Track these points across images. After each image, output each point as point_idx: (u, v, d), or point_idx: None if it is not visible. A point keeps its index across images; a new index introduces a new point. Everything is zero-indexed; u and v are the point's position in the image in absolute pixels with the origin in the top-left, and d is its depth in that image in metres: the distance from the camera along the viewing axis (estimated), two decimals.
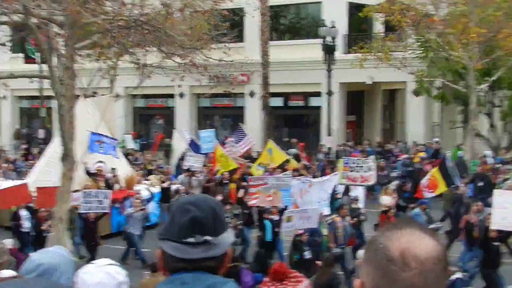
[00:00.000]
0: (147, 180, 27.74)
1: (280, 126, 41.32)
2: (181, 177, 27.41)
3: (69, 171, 18.81)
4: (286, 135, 40.04)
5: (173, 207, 2.92)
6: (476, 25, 28.96)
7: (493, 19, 29.13)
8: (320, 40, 35.63)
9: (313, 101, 40.41)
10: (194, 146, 31.55)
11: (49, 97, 41.87)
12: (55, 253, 3.78)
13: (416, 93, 36.61)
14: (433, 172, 23.15)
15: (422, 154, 32.07)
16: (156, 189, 26.34)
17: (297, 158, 31.34)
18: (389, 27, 35.23)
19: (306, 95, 40.91)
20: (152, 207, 24.66)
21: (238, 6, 32.71)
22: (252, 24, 37.81)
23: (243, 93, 41.36)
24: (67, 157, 18.75)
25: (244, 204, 22.36)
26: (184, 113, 43.08)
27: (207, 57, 32.56)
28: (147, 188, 26.03)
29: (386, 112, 43.32)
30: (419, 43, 33.78)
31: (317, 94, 39.16)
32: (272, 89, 37.84)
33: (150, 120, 46.63)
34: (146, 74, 35.34)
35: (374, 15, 34.82)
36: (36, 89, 40.66)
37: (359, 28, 39.63)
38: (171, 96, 43.17)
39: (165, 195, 25.71)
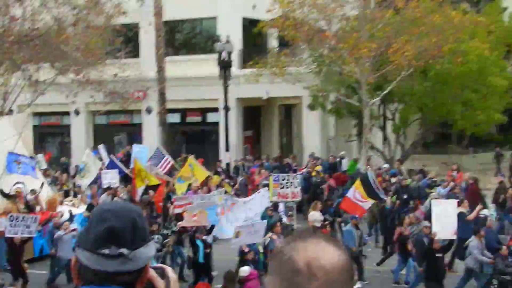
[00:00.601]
0: (69, 201, 26.43)
1: (178, 142, 41.15)
2: (104, 196, 26.09)
3: None
4: (184, 151, 39.93)
5: (92, 213, 2.69)
6: (367, 40, 29.68)
7: (383, 35, 29.93)
8: (216, 56, 35.78)
9: (211, 117, 40.46)
10: (111, 163, 30.24)
11: None
12: None
13: (311, 107, 37.18)
14: (357, 186, 22.75)
15: (319, 168, 32.57)
16: (79, 210, 25.01)
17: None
18: (284, 42, 35.72)
19: (204, 111, 40.93)
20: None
21: (132, 21, 32.46)
22: (147, 40, 37.61)
23: (139, 110, 41.00)
24: None
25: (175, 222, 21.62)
26: (80, 131, 42.34)
27: (102, 73, 32.16)
28: (69, 210, 24.57)
29: (283, 126, 43.79)
30: (313, 58, 34.35)
31: (215, 109, 39.22)
32: (169, 105, 37.69)
33: (45, 139, 45.61)
34: (40, 91, 34.61)
35: (268, 31, 35.26)
36: None
37: (254, 43, 40.00)
38: (67, 113, 42.39)
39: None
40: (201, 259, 19.35)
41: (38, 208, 24.05)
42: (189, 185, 27.04)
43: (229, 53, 34.92)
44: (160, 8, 35.60)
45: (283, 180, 24.32)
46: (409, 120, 37.32)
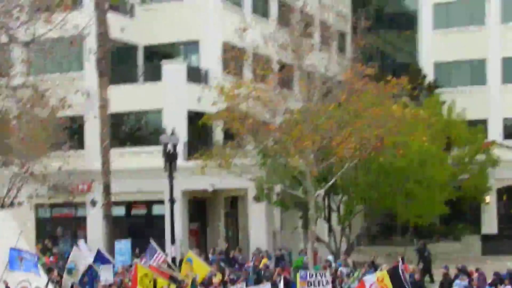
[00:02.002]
0: None
1: (123, 236, 40.56)
2: None
3: None
4: (132, 245, 39.37)
5: None
6: (310, 133, 30.06)
7: (326, 127, 30.36)
8: (161, 148, 35.82)
9: (156, 209, 40.18)
10: (101, 258, 28.39)
11: None
12: None
13: (257, 199, 37.27)
14: (381, 277, 21.04)
15: (266, 261, 32.39)
16: None
17: None
18: (229, 134, 36.01)
19: (149, 203, 40.65)
20: None
21: (77, 114, 32.51)
22: (92, 131, 37.54)
23: (84, 202, 40.53)
24: None
25: None
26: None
27: (46, 166, 31.90)
28: None
29: (229, 219, 43.66)
30: (258, 150, 34.62)
31: (160, 202, 38.98)
32: (114, 198, 37.35)
33: None
34: None
35: (213, 123, 35.59)
36: None
37: (199, 135, 40.23)
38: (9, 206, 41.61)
39: None
40: None
41: None
42: (193, 281, 25.48)
43: (175, 145, 34.97)
44: (106, 101, 35.72)
45: (311, 277, 22.31)
46: (354, 211, 37.56)
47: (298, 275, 22.43)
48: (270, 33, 30.66)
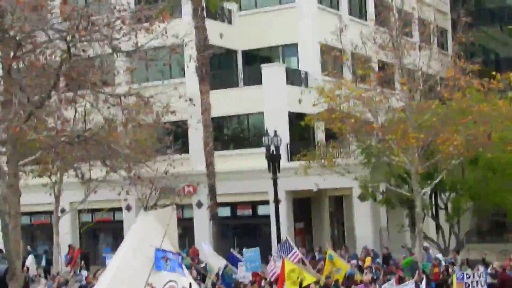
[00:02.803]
0: None
1: (228, 236, 41.15)
2: None
3: None
4: (236, 245, 39.87)
5: None
6: (414, 131, 29.61)
7: (430, 125, 29.86)
8: (264, 149, 36.08)
9: (261, 210, 40.51)
10: (233, 259, 29.46)
11: None
12: None
13: (362, 198, 36.99)
14: None
15: (369, 261, 32.05)
16: None
17: None
18: (331, 135, 35.91)
19: (254, 204, 41.01)
20: None
21: (181, 119, 33.05)
22: (196, 136, 38.20)
23: (190, 204, 41.32)
24: (13, 276, 18.36)
25: None
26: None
27: (153, 170, 32.59)
28: None
29: (334, 218, 43.57)
30: (361, 150, 34.38)
31: (265, 202, 39.31)
32: (219, 199, 37.89)
33: (97, 235, 46.10)
34: (92, 188, 35.24)
35: (315, 123, 35.55)
36: None
37: (301, 136, 40.32)
38: (119, 209, 42.89)
39: None
40: None
41: None
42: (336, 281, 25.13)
43: (277, 147, 35.22)
44: (208, 106, 36.33)
45: (468, 278, 21.86)
46: (462, 209, 36.77)
47: (454, 277, 22.01)
48: (368, 33, 30.37)
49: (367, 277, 24.84)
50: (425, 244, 33.72)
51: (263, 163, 36.10)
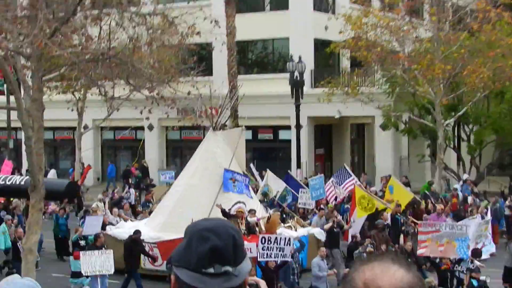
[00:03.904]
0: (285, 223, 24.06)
1: (249, 159, 41.30)
2: (315, 218, 24.55)
3: (37, 203, 18.65)
4: (256, 168, 40.07)
5: (189, 233, 2.74)
6: (440, 62, 29.32)
7: (457, 57, 29.52)
8: (287, 75, 35.88)
9: (282, 135, 40.55)
10: (292, 183, 28.76)
11: (16, 129, 41.79)
12: (25, 284, 3.59)
13: (384, 127, 36.90)
14: None
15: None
16: (300, 233, 22.37)
17: None
18: (355, 63, 35.61)
19: (275, 129, 41.03)
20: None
21: (205, 41, 32.85)
22: (220, 59, 38.01)
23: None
24: (35, 188, 18.61)
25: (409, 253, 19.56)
26: (153, 146, 43.03)
27: (175, 90, 32.62)
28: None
29: (355, 145, 43.57)
30: (385, 79, 34.11)
31: (286, 127, 39.32)
32: (241, 123, 37.89)
33: (118, 152, 46.51)
34: (114, 106, 35.37)
35: (340, 51, 35.22)
36: (3, 121, 40.53)
37: (325, 63, 40.00)
38: (141, 128, 43.10)
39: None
40: None
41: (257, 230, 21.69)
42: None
43: (301, 73, 34.99)
44: (233, 29, 36.04)
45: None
46: (484, 142, 36.63)
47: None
48: None
49: (439, 206, 24.59)
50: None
51: (286, 88, 35.96)
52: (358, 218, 23.83)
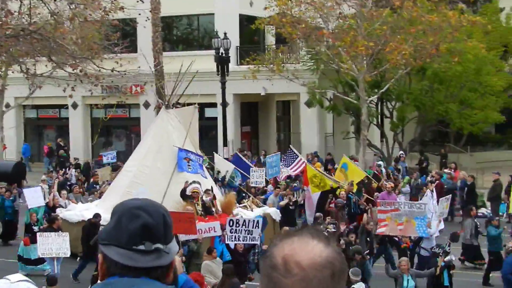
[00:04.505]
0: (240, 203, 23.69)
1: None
2: (271, 197, 24.50)
3: None
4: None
5: (118, 210, 2.73)
6: (363, 39, 29.67)
7: (380, 33, 29.93)
8: (213, 52, 35.79)
9: (209, 112, 40.45)
10: (238, 162, 28.48)
11: None
12: None
13: (309, 104, 37.21)
14: None
15: (319, 165, 32.47)
16: (256, 213, 21.86)
17: None
18: (281, 39, 35.74)
19: (201, 106, 40.86)
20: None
21: (129, 17, 32.45)
22: (145, 35, 37.60)
23: (137, 104, 41.08)
24: None
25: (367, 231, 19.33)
26: (77, 124, 42.43)
27: (99, 67, 32.17)
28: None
29: (281, 122, 43.85)
30: (310, 56, 34.35)
31: (212, 105, 39.25)
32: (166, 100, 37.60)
33: (42, 132, 45.74)
34: (37, 84, 34.69)
35: (265, 28, 35.28)
36: None
37: (251, 40, 40.03)
38: (64, 106, 42.44)
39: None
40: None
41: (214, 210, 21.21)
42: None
43: (227, 50, 34.94)
44: (157, 4, 35.62)
45: None
46: (407, 118, 37.32)
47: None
48: None
49: (390, 184, 24.65)
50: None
51: (212, 65, 35.87)
52: (313, 194, 23.94)
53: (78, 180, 30.55)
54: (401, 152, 35.02)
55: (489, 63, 34.96)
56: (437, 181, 27.70)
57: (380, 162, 33.79)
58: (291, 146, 31.18)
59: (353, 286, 14.30)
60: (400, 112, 37.13)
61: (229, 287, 14.96)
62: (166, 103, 23.39)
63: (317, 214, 21.97)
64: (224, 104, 36.22)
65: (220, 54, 35.11)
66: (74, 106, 41.81)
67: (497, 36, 37.48)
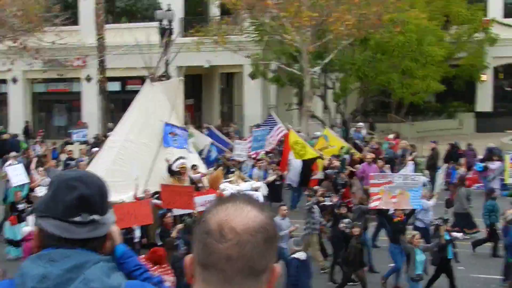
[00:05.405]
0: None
1: (118, 111, 40.71)
2: (256, 171, 23.96)
3: None
4: None
5: (54, 182, 2.70)
6: (308, 9, 29.73)
7: (324, 4, 30.01)
8: (156, 24, 35.43)
9: None
10: (215, 137, 27.95)
11: None
12: None
13: (252, 76, 37.20)
14: None
15: None
16: (243, 187, 21.23)
17: None
18: (225, 11, 35.56)
19: (144, 79, 40.46)
20: None
21: None
22: (87, 7, 37.02)
23: (79, 78, 40.47)
24: None
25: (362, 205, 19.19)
26: (18, 99, 41.61)
27: (40, 40, 31.59)
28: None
29: (224, 95, 43.80)
30: (254, 27, 34.28)
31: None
32: (109, 73, 37.20)
33: None
34: None
35: None
36: None
37: (195, 11, 39.72)
38: (4, 81, 41.56)
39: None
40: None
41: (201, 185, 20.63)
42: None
43: (170, 21, 34.62)
44: None
45: None
46: (349, 89, 37.60)
47: (507, 157, 22.11)
48: None
49: (370, 155, 24.57)
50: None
51: (155, 37, 35.49)
52: (296, 160, 23.87)
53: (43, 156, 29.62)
54: (360, 123, 35.12)
55: (430, 33, 35.40)
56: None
57: (318, 133, 33.86)
58: (271, 112, 30.59)
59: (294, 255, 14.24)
60: (343, 83, 37.38)
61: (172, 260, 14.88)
62: (151, 75, 22.71)
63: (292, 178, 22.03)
64: (167, 77, 35.88)
65: (163, 26, 34.77)
66: (14, 80, 40.98)
67: (438, 6, 38.02)
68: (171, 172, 20.13)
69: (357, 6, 29.95)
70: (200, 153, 25.49)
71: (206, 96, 42.67)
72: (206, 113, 42.27)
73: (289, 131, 25.40)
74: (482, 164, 27.22)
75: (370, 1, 30.24)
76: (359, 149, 27.68)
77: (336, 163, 23.81)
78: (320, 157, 24.36)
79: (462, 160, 28.75)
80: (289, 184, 24.96)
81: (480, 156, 29.07)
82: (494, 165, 26.51)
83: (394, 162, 26.84)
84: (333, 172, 22.80)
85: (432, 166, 28.20)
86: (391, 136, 32.19)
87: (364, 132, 34.47)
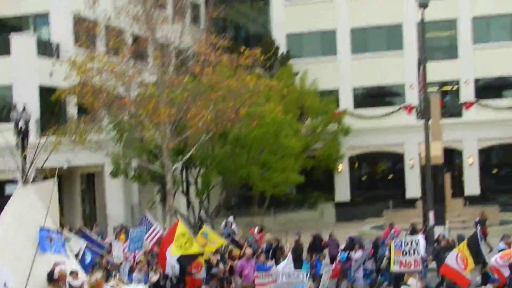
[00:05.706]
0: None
1: None
2: (136, 275, 22.49)
3: None
4: None
5: None
6: (165, 106, 30.01)
7: (181, 100, 30.42)
8: (12, 125, 34.70)
9: (10, 189, 38.84)
10: (89, 239, 26.12)
11: None
12: None
13: (114, 174, 36.87)
14: (462, 249, 20.33)
15: (123, 237, 31.94)
16: None
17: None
18: (83, 109, 35.36)
19: (2, 183, 39.32)
20: None
21: None
22: None
23: None
24: None
25: None
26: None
27: None
28: None
29: (86, 195, 43.03)
30: (113, 125, 34.22)
31: (14, 181, 37.73)
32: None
33: None
34: None
35: (66, 98, 34.78)
36: None
37: (52, 111, 39.23)
38: None
39: None
40: None
41: None
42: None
43: (26, 122, 34.02)
44: None
45: (406, 246, 21.56)
46: (211, 183, 37.89)
47: (392, 244, 21.82)
48: (122, 5, 30.17)
49: (248, 250, 24.06)
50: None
51: (11, 139, 34.71)
52: (172, 255, 22.61)
53: None
54: (231, 217, 35.03)
55: (287, 125, 36.48)
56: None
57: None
58: (146, 212, 30.24)
59: None
60: (205, 178, 37.68)
61: None
62: (24, 177, 21.73)
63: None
64: (26, 180, 34.96)
65: (19, 127, 34.08)
66: None
67: (293, 99, 39.32)
68: (51, 280, 18.94)
69: (214, 101, 30.50)
70: (76, 256, 24.94)
71: (67, 197, 41.76)
72: (69, 216, 41.29)
73: (178, 221, 24.89)
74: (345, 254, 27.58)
75: (226, 96, 30.89)
76: (239, 245, 27.70)
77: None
78: (202, 254, 24.13)
79: (326, 251, 29.16)
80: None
81: (342, 246, 29.53)
82: (356, 254, 26.87)
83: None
84: (217, 271, 22.47)
85: (297, 259, 28.38)
86: (256, 229, 32.41)
87: (234, 226, 34.55)
